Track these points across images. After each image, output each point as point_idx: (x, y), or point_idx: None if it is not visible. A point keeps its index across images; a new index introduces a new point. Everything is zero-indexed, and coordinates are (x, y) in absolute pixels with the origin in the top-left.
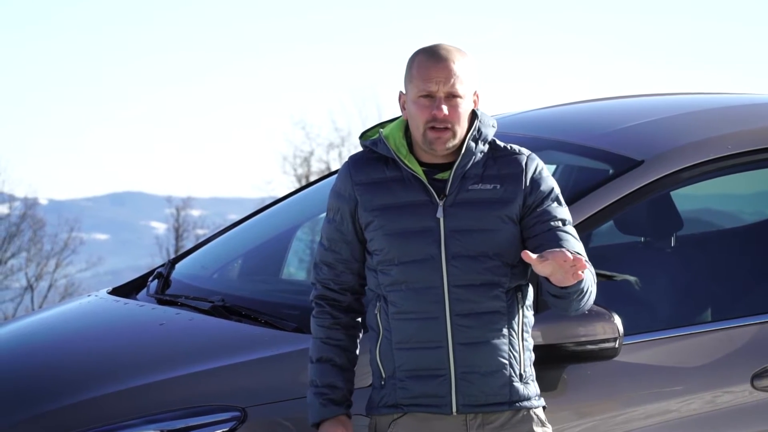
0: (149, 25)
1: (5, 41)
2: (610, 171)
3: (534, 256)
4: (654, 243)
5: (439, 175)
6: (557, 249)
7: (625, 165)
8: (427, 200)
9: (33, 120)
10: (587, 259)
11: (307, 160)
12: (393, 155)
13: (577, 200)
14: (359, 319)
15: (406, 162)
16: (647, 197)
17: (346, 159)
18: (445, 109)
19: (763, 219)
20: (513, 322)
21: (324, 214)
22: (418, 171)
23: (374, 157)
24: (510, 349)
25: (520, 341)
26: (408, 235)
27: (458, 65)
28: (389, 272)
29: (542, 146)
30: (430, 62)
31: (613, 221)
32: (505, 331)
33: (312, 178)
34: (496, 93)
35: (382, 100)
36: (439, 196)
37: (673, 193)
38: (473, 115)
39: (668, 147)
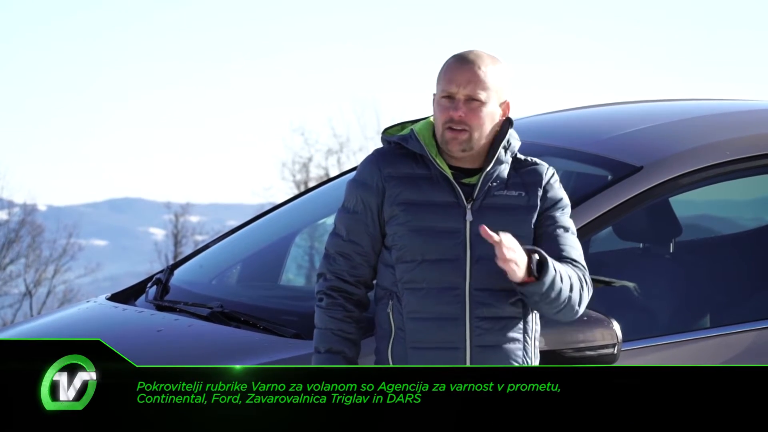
0: (148, 31)
1: (4, 47)
2: (609, 177)
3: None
4: (653, 249)
5: (466, 180)
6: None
7: (624, 171)
8: (454, 202)
9: (32, 126)
10: (581, 265)
11: (305, 166)
12: (425, 152)
13: (576, 206)
14: (364, 314)
15: (437, 161)
16: (646, 203)
17: (372, 152)
18: (461, 110)
19: (762, 225)
20: (528, 327)
21: (325, 219)
22: (448, 172)
23: (402, 152)
24: (524, 354)
25: (533, 347)
26: (434, 233)
27: (484, 71)
28: (409, 270)
29: (541, 152)
30: (455, 65)
31: (612, 227)
32: (520, 336)
33: (311, 184)
34: None
35: (381, 107)
36: (466, 200)
37: (671, 199)
38: (507, 125)
39: (667, 153)
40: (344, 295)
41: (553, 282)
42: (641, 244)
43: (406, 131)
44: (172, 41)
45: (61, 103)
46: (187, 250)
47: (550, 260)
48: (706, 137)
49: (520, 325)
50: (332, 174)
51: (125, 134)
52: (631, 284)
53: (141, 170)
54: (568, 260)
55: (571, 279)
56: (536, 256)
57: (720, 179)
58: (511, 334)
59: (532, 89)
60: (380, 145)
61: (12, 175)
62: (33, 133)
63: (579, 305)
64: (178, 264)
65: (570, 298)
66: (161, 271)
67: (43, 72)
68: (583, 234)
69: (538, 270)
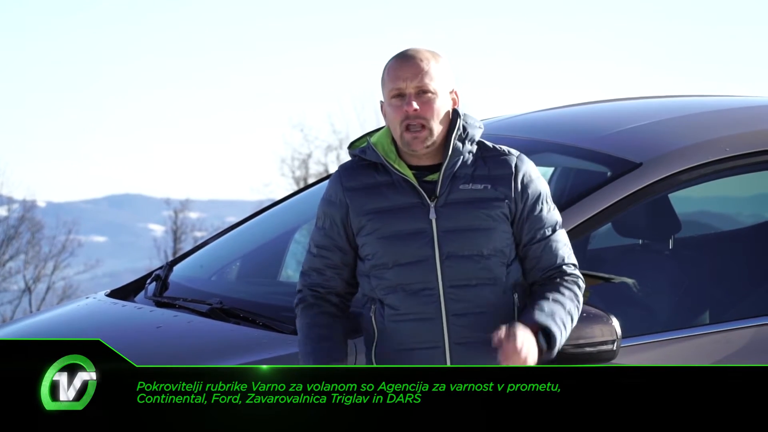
0: (148, 28)
1: (5, 45)
2: (609, 173)
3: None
4: (652, 245)
5: (429, 177)
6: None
7: (623, 167)
8: (418, 202)
9: (32, 122)
10: (571, 264)
11: (305, 163)
12: (382, 160)
13: (575, 203)
14: (343, 312)
15: (396, 166)
16: (645, 200)
17: (338, 168)
18: (415, 104)
19: (761, 221)
20: (509, 320)
21: None
22: (408, 174)
23: (364, 164)
24: None
25: None
26: (401, 237)
27: (427, 63)
28: (384, 276)
29: (541, 149)
30: (397, 63)
31: (612, 223)
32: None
33: (310, 181)
34: (495, 96)
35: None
36: (430, 198)
37: (671, 196)
38: (456, 115)
39: (666, 149)
40: (318, 301)
41: (562, 340)
42: (640, 241)
43: (366, 143)
44: (171, 39)
45: (60, 101)
46: (187, 247)
47: (554, 328)
48: (706, 134)
49: (500, 318)
50: (331, 170)
51: (125, 131)
52: (630, 281)
53: (140, 167)
54: (559, 274)
55: (571, 312)
56: (542, 340)
57: (719, 176)
58: (491, 329)
59: (533, 87)
60: None
61: (11, 172)
62: (33, 130)
63: (577, 318)
64: (177, 260)
65: (573, 321)
66: (160, 268)
67: (43, 69)
68: (583, 230)
69: (546, 340)
